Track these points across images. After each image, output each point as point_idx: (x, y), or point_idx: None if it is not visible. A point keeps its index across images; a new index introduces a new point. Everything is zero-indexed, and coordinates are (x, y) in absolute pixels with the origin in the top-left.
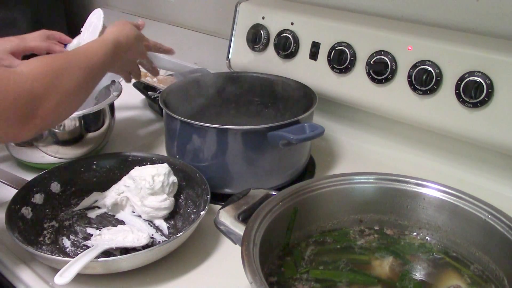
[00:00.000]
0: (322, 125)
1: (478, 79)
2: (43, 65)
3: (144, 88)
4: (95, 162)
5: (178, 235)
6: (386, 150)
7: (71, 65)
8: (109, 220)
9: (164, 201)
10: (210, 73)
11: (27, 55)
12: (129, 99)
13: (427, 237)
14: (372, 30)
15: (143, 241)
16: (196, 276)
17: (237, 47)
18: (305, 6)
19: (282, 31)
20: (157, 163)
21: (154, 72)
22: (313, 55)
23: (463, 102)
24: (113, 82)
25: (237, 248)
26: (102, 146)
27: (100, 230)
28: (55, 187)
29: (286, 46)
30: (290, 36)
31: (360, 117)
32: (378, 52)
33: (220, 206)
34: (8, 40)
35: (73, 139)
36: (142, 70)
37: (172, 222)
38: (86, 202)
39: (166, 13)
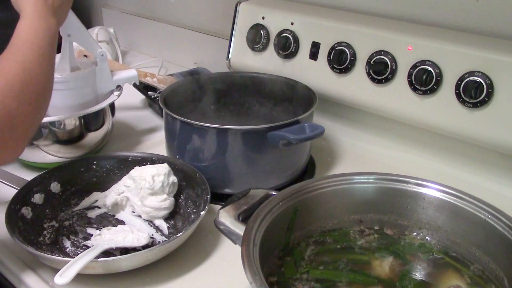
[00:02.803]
0: (322, 125)
1: (478, 79)
2: (3, 75)
3: (144, 88)
4: (95, 162)
5: (178, 235)
6: (386, 150)
7: (28, 60)
8: (109, 220)
9: (164, 201)
10: (210, 73)
11: None
12: (129, 99)
13: (427, 237)
14: (372, 30)
15: (143, 241)
16: (196, 276)
17: (237, 47)
18: (305, 6)
19: (282, 31)
20: (157, 163)
21: None
22: (313, 55)
23: (463, 102)
24: (118, 87)
25: (237, 248)
26: (102, 146)
27: (100, 230)
28: (55, 187)
29: (286, 46)
30: (290, 36)
31: (360, 117)
32: (378, 52)
33: (220, 206)
34: None
35: (74, 138)
36: (142, 70)
37: (172, 222)
38: (86, 202)
39: (166, 13)
